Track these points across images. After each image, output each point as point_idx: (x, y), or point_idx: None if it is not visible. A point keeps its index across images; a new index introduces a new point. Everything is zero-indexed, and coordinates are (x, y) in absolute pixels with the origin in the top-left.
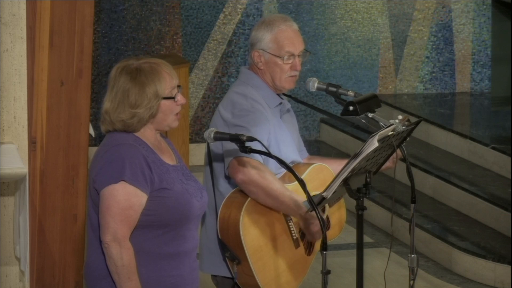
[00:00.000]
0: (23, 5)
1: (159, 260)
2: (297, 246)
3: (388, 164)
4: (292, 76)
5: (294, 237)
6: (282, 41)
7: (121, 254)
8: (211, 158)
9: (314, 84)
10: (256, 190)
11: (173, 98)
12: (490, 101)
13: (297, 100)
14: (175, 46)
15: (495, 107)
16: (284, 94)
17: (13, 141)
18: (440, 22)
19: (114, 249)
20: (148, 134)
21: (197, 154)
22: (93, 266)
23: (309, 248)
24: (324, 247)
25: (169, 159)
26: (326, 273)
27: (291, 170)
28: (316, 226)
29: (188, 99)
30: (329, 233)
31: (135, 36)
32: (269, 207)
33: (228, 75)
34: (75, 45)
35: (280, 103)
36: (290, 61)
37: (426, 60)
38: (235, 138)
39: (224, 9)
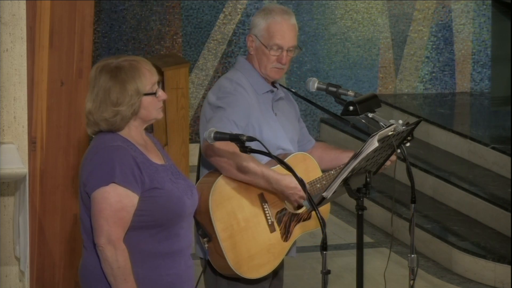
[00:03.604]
0: (23, 5)
1: (155, 259)
2: (272, 230)
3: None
4: (278, 68)
5: (270, 221)
6: (273, 32)
7: (116, 256)
8: (199, 160)
9: (314, 84)
10: (227, 166)
11: (154, 94)
12: (490, 101)
13: (301, 96)
14: (175, 46)
15: (495, 107)
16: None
17: (13, 141)
18: (440, 22)
19: (109, 252)
20: (134, 133)
21: (197, 154)
22: (89, 268)
23: (286, 234)
24: (324, 247)
25: (156, 159)
26: (326, 273)
27: (291, 170)
28: (294, 195)
29: (188, 99)
30: (309, 223)
31: (135, 36)
32: (243, 182)
33: None
34: (75, 45)
35: (271, 91)
36: (277, 54)
37: (426, 60)
38: (235, 138)
39: (224, 9)
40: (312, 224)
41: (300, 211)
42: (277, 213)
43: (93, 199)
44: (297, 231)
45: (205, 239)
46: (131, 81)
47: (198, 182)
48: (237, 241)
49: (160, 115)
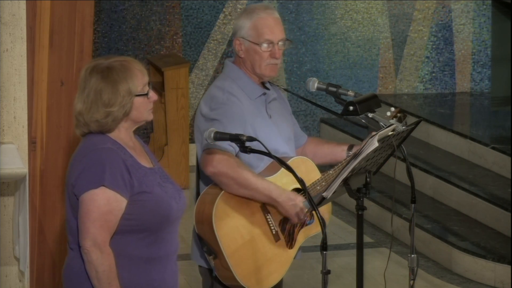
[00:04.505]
0: (23, 5)
1: (142, 264)
2: (277, 239)
3: None
4: (272, 64)
5: (274, 231)
6: (261, 29)
7: (102, 259)
8: (197, 166)
9: (314, 84)
10: (228, 181)
11: (146, 94)
12: (490, 101)
13: (300, 97)
14: (175, 46)
15: (495, 107)
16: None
17: (13, 141)
18: (440, 22)
19: (95, 255)
20: (123, 135)
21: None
22: (74, 269)
23: (291, 241)
24: (324, 247)
25: (145, 162)
26: (326, 273)
27: (291, 170)
28: (295, 208)
29: (188, 99)
30: (313, 227)
31: (135, 36)
32: (244, 197)
33: None
34: (75, 45)
35: (264, 93)
36: (269, 49)
37: (426, 60)
38: (235, 138)
39: (224, 9)
40: (316, 227)
41: None
42: (280, 222)
43: (82, 201)
44: (301, 236)
45: (211, 256)
46: (123, 82)
47: (202, 193)
48: (243, 254)
49: (150, 117)
